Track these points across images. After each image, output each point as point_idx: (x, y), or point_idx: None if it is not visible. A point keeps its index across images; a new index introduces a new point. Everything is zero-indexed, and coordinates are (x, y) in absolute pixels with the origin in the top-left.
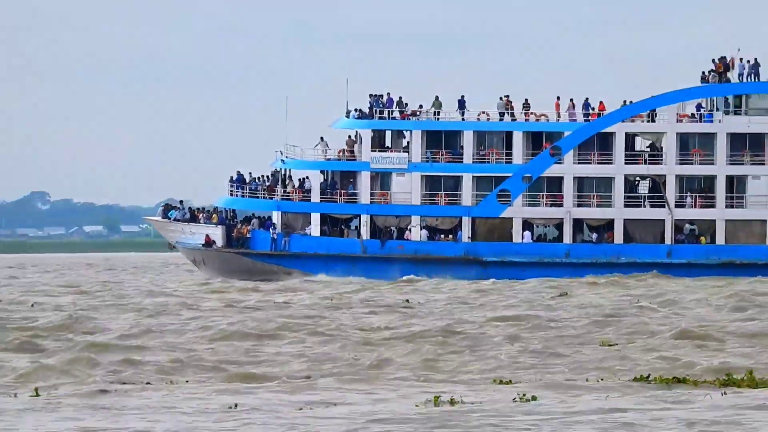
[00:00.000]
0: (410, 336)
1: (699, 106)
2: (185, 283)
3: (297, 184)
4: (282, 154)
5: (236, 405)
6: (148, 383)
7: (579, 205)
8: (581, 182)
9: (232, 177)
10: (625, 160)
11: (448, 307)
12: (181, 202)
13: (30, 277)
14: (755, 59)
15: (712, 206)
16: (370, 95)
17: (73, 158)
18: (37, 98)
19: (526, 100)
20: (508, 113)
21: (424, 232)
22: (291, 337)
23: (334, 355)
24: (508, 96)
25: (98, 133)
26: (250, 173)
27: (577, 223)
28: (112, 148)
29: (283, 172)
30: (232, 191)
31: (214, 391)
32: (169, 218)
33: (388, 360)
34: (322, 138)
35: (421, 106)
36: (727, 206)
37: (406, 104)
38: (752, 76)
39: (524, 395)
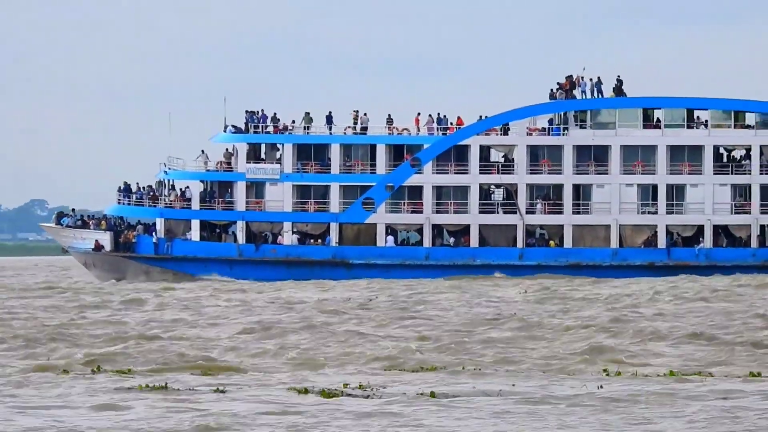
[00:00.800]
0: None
1: (551, 121)
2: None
3: (179, 193)
4: (165, 165)
5: None
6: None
7: (438, 212)
8: (440, 191)
9: (119, 187)
10: (480, 170)
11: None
12: (72, 210)
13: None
14: (598, 78)
15: (560, 212)
16: (246, 111)
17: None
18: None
19: (389, 115)
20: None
21: (296, 236)
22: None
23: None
24: (356, 112)
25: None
26: (137, 183)
27: (436, 228)
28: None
29: (166, 183)
30: (119, 200)
31: None
32: (62, 225)
33: None
34: (202, 151)
35: (293, 122)
36: (573, 212)
37: (279, 119)
38: (596, 92)
39: None
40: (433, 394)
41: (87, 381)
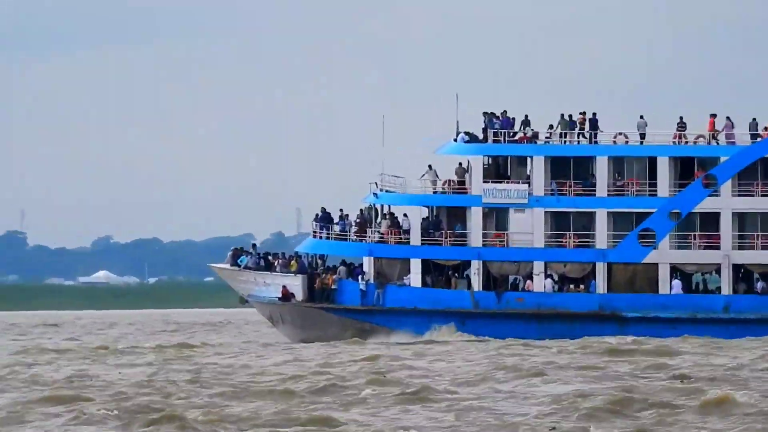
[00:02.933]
0: None
1: None
2: None
3: (394, 224)
4: (377, 185)
5: None
6: None
7: (740, 247)
8: (742, 219)
9: (316, 215)
10: None
11: None
12: (253, 245)
13: None
14: None
15: None
16: (484, 113)
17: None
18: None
19: (681, 118)
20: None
21: (549, 281)
22: None
23: None
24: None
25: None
26: (340, 210)
27: (739, 269)
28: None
29: (377, 209)
30: (315, 232)
31: None
32: (239, 265)
33: None
34: (430, 166)
35: (551, 127)
36: None
37: (528, 123)
38: None
39: None
40: None
41: None
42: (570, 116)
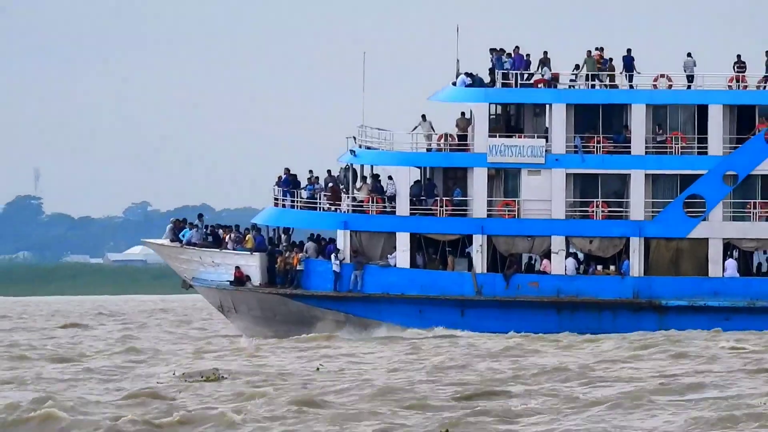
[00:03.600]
0: None
1: None
2: None
3: (375, 188)
4: (355, 141)
5: None
6: None
7: None
8: None
9: (279, 177)
10: None
11: None
12: (199, 216)
13: None
14: None
15: None
16: (491, 50)
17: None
18: None
19: (739, 56)
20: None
21: (571, 260)
22: None
23: None
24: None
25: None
26: (310, 173)
27: None
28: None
29: (355, 170)
30: (277, 199)
31: None
32: (181, 240)
33: None
34: (424, 116)
35: (577, 66)
36: None
37: (548, 62)
38: None
39: None
40: None
41: None
42: (601, 53)
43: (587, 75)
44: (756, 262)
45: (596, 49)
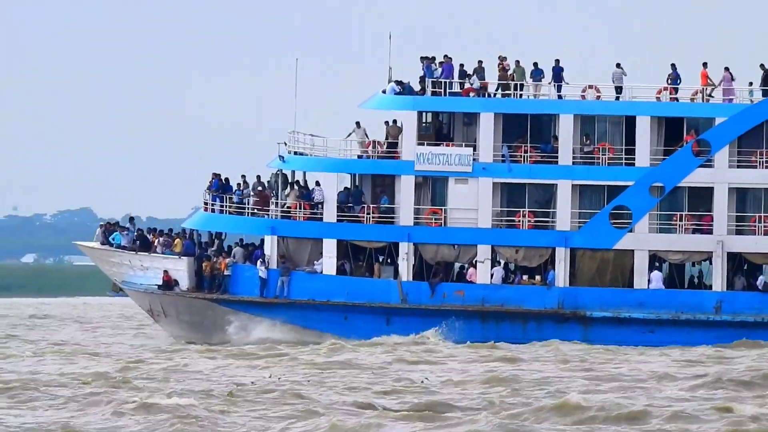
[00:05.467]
0: None
1: None
2: None
3: (302, 194)
4: (286, 146)
5: None
6: None
7: (737, 232)
8: (742, 196)
9: (210, 182)
10: None
11: None
12: (131, 219)
13: None
14: None
15: None
16: (422, 58)
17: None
18: None
19: (674, 66)
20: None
21: (498, 270)
22: None
23: None
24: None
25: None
26: (242, 177)
27: (734, 259)
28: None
29: (284, 176)
30: (207, 204)
31: None
32: (112, 244)
33: None
34: (358, 123)
35: (510, 71)
36: None
37: (482, 70)
38: None
39: None
40: None
41: None
42: (535, 64)
43: (515, 84)
44: (688, 276)
45: (498, 57)
